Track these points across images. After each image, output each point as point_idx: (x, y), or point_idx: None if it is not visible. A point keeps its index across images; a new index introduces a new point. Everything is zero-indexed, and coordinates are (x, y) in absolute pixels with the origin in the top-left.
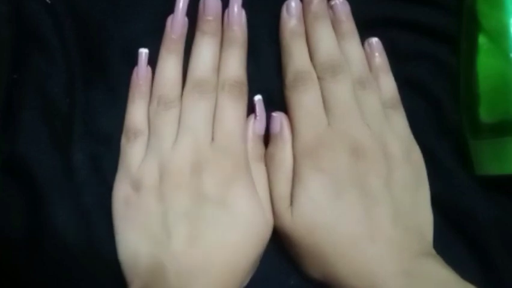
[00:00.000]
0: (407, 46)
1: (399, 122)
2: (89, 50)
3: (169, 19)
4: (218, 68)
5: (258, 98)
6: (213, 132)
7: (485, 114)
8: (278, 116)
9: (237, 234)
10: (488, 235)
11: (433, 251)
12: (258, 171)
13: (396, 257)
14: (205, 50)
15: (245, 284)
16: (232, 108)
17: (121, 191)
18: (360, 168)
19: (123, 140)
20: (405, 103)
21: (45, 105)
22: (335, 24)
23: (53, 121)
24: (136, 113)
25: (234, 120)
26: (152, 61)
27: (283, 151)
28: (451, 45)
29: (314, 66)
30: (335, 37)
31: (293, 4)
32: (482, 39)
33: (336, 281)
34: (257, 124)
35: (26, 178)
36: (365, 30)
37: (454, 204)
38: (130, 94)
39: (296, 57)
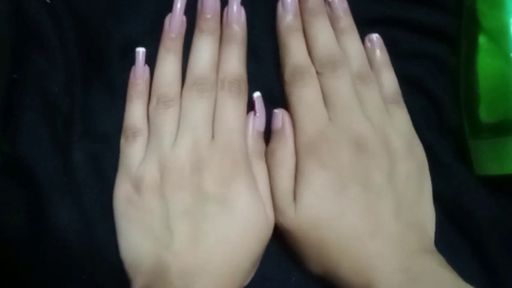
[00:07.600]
0: (407, 45)
1: (401, 117)
2: (89, 50)
3: (167, 18)
4: (218, 66)
5: (257, 94)
6: (213, 130)
7: (485, 114)
8: (280, 113)
9: (237, 233)
10: (487, 234)
11: (434, 248)
12: (259, 168)
13: (396, 253)
14: (203, 48)
15: (247, 282)
16: (232, 105)
17: (122, 190)
18: (363, 163)
19: (122, 140)
20: (405, 102)
21: (45, 105)
22: (333, 20)
23: (53, 121)
24: (134, 112)
25: (233, 118)
26: (152, 60)
27: (285, 147)
28: (450, 45)
29: (313, 62)
30: (333, 32)
31: (289, 0)
32: (482, 39)
33: (336, 277)
34: (257, 121)
35: (26, 178)
36: (365, 29)
37: (453, 202)
38: (128, 93)
39: (294, 52)
